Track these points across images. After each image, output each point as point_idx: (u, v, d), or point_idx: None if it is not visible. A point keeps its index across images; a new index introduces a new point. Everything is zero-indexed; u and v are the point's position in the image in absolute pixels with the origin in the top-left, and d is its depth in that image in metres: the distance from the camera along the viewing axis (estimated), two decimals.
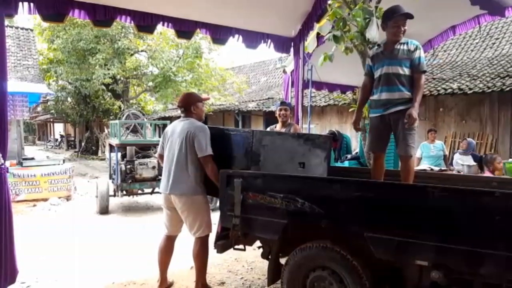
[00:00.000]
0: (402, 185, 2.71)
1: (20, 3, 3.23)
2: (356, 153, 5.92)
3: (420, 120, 3.14)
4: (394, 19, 3.01)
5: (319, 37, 4.90)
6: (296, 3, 4.40)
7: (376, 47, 3.26)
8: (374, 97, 3.21)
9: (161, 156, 3.26)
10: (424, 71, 3.07)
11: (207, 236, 3.14)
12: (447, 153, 7.24)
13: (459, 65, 11.13)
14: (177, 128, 3.11)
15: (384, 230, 2.14)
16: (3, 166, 3.06)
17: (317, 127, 12.03)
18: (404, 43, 3.06)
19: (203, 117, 3.30)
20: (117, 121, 7.17)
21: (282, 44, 4.80)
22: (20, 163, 8.08)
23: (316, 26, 4.59)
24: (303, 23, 4.61)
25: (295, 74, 4.89)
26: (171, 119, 16.65)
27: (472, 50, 11.82)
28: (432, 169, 6.30)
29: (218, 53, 16.65)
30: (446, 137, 9.51)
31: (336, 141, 6.27)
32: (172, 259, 3.28)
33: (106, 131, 15.24)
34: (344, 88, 7.86)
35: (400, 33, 3.03)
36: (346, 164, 5.53)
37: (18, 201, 7.05)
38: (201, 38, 14.72)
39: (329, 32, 4.22)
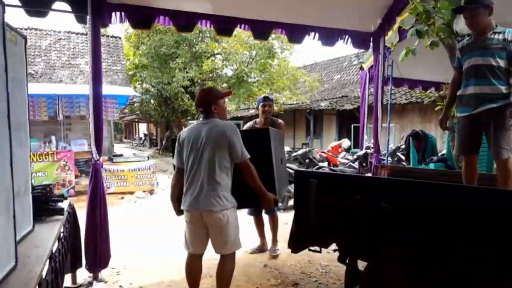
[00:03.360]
0: (501, 191, 2.42)
1: (113, 13, 3.54)
2: (443, 155, 5.49)
3: None
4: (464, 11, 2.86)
5: (401, 31, 4.61)
6: None
7: (466, 37, 3.01)
8: (460, 91, 2.96)
9: (181, 170, 2.73)
10: None
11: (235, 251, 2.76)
12: None
13: None
14: (200, 134, 2.62)
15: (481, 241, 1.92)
16: (98, 162, 3.39)
17: (396, 127, 11.35)
18: (499, 32, 2.78)
19: (226, 116, 2.92)
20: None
21: (361, 39, 4.61)
22: (110, 159, 8.98)
23: (398, 20, 4.32)
24: (383, 17, 4.38)
25: (375, 70, 4.66)
26: (244, 118, 17.05)
27: None
28: None
29: (290, 52, 16.61)
30: None
31: (419, 142, 5.89)
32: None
33: None
34: (426, 85, 7.31)
35: (473, 25, 2.84)
36: (431, 166, 5.15)
37: (108, 194, 7.77)
38: (274, 38, 14.81)
39: (412, 27, 3.94)
